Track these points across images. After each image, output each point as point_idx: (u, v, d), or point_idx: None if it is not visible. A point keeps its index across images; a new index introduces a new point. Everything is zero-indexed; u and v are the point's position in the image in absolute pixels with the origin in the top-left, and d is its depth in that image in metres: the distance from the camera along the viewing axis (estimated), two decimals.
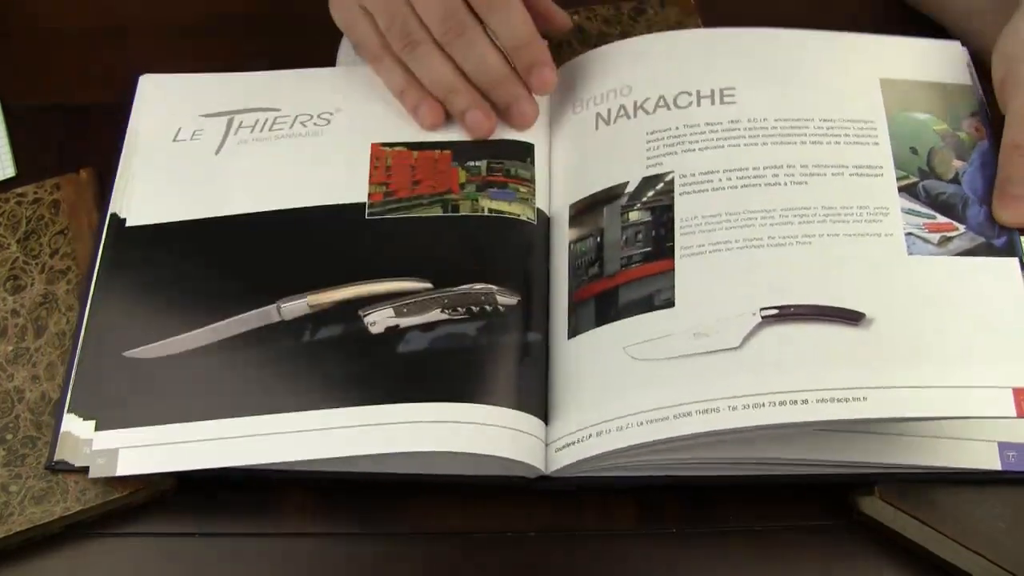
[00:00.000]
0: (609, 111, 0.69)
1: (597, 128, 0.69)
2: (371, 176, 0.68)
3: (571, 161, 0.69)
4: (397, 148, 0.70)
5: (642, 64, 0.70)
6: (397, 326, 0.63)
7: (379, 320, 0.63)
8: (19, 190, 0.71)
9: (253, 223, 0.67)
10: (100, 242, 0.68)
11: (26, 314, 0.67)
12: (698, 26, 0.77)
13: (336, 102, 0.72)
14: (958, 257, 0.61)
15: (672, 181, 0.65)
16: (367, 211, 0.67)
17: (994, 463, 0.60)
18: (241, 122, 0.72)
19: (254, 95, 0.73)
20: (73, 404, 0.63)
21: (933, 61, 0.69)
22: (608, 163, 0.67)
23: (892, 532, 0.61)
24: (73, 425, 0.62)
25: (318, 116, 0.71)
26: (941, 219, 0.63)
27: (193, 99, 0.73)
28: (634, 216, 0.65)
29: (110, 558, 0.62)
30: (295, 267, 0.66)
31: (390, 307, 0.63)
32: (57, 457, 0.62)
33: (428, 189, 0.68)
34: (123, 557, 0.62)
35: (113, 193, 0.69)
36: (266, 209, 0.68)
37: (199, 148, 0.71)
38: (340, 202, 0.68)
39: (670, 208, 0.64)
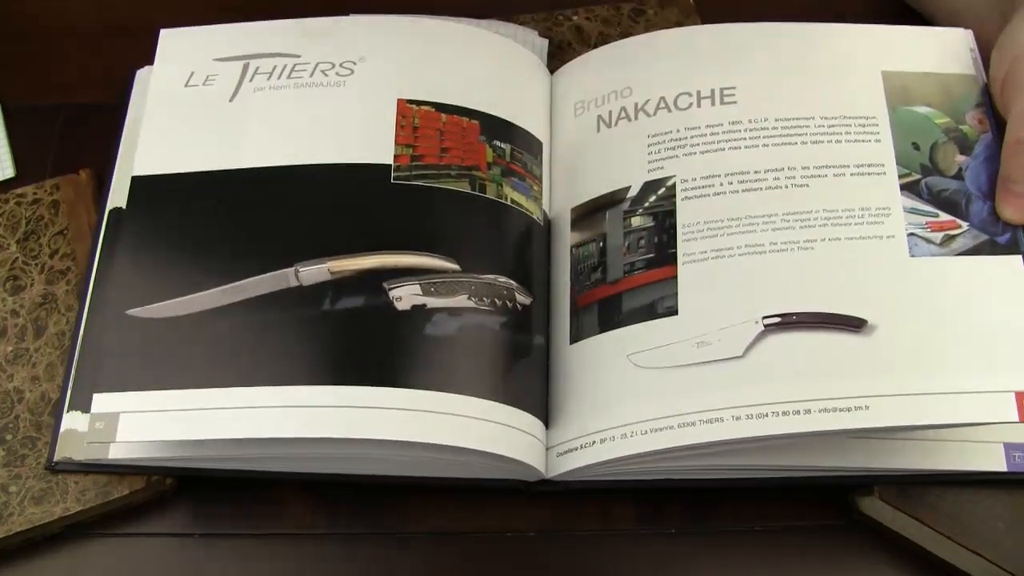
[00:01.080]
0: (610, 113, 0.68)
1: (599, 131, 0.68)
2: (397, 136, 0.66)
3: (572, 164, 0.68)
4: (424, 107, 0.67)
5: (642, 64, 0.69)
6: (424, 305, 0.61)
7: (405, 296, 0.61)
8: (19, 190, 0.71)
9: (268, 177, 0.65)
10: (100, 235, 0.67)
11: (26, 314, 0.67)
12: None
13: (360, 50, 0.69)
14: (961, 257, 0.61)
15: (674, 186, 0.65)
16: (393, 174, 0.65)
17: (1000, 464, 0.60)
18: (257, 68, 0.69)
19: (271, 40, 0.70)
20: (74, 401, 0.63)
21: (936, 50, 0.68)
22: (610, 167, 0.67)
23: (892, 532, 0.61)
24: (75, 422, 0.62)
25: (340, 65, 0.69)
26: (944, 217, 0.62)
27: (207, 45, 0.70)
28: (636, 221, 0.65)
29: (110, 558, 0.62)
30: (313, 228, 0.63)
31: (417, 284, 0.61)
32: (59, 455, 0.62)
33: (456, 160, 0.65)
34: (123, 557, 0.62)
35: (113, 186, 0.69)
36: (283, 164, 0.65)
37: (212, 94, 0.68)
38: (363, 161, 0.65)
39: (672, 213, 0.64)
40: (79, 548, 0.62)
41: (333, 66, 0.69)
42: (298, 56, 0.69)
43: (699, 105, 0.67)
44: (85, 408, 0.62)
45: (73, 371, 0.64)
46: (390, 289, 0.61)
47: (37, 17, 0.72)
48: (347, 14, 0.75)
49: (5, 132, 0.75)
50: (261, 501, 0.64)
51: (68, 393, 0.63)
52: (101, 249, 0.67)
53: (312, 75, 0.69)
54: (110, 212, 0.68)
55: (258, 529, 0.63)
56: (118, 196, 0.68)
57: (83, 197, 0.70)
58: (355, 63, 0.69)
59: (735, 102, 0.67)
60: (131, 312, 0.62)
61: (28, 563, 0.62)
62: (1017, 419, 0.56)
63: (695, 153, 0.65)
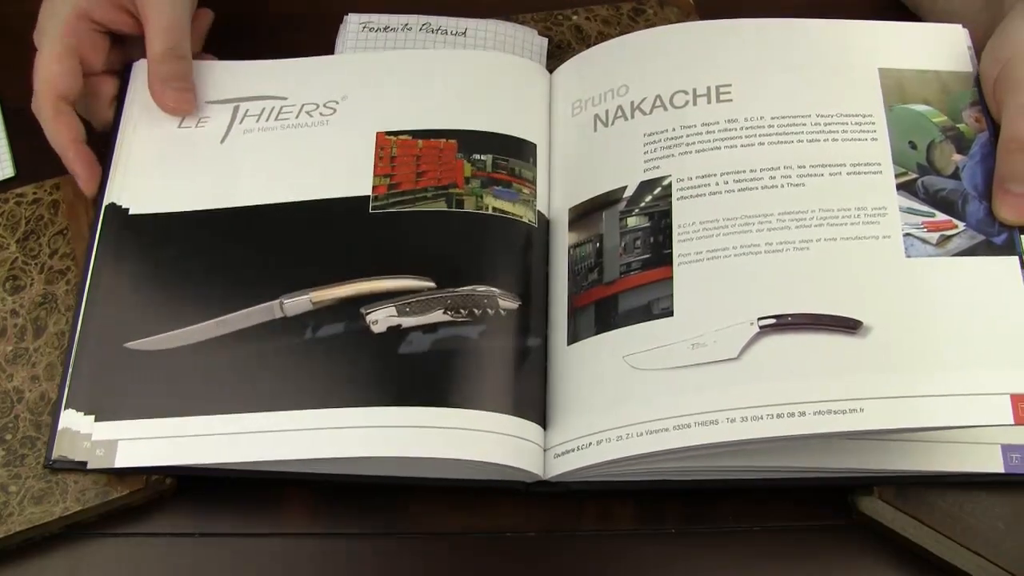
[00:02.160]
0: (607, 112, 0.68)
1: (596, 130, 0.68)
2: (375, 167, 0.68)
3: (571, 163, 0.68)
4: (402, 137, 0.69)
5: (638, 62, 0.69)
6: (399, 326, 0.63)
7: (381, 319, 0.63)
8: (18, 190, 0.71)
9: (257, 216, 0.67)
10: (96, 232, 0.67)
11: (25, 314, 0.67)
12: None
13: (343, 89, 0.71)
14: (957, 258, 0.61)
15: (669, 185, 0.64)
16: (371, 205, 0.66)
17: (997, 466, 0.60)
18: (247, 111, 0.71)
19: (260, 83, 0.72)
20: (71, 399, 0.63)
21: (933, 47, 0.67)
22: (606, 167, 0.67)
23: (892, 532, 0.61)
24: (71, 420, 0.62)
25: (324, 105, 0.70)
26: (940, 217, 0.62)
27: (200, 86, 0.71)
28: (632, 222, 0.65)
29: (110, 558, 0.62)
30: (298, 262, 0.65)
31: (392, 306, 0.63)
32: (56, 454, 0.62)
33: (433, 181, 0.67)
34: (123, 557, 0.62)
35: (109, 180, 0.69)
36: (270, 202, 0.67)
37: (204, 136, 0.70)
38: (344, 195, 0.67)
39: (668, 214, 0.64)
40: (79, 548, 0.62)
41: (317, 107, 0.71)
42: (285, 99, 0.71)
43: (695, 103, 0.67)
44: (81, 406, 0.63)
45: (71, 365, 0.64)
46: (367, 314, 0.63)
47: (37, 17, 0.72)
48: (347, 14, 0.76)
49: (5, 132, 0.75)
50: (261, 501, 0.64)
51: (65, 391, 0.63)
52: (99, 247, 0.67)
53: (298, 116, 0.70)
54: (106, 208, 0.68)
55: (258, 529, 0.63)
56: (116, 187, 0.69)
57: (83, 197, 0.70)
58: (337, 102, 0.71)
59: (731, 100, 0.66)
60: (130, 345, 0.64)
61: (28, 563, 0.62)
62: (1012, 422, 0.56)
63: (691, 152, 0.65)
